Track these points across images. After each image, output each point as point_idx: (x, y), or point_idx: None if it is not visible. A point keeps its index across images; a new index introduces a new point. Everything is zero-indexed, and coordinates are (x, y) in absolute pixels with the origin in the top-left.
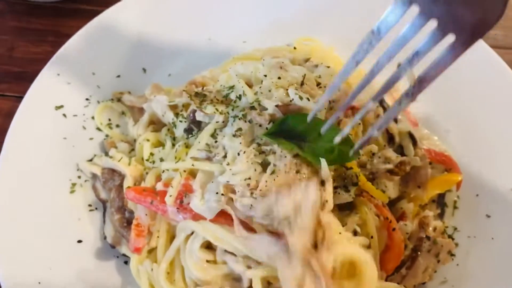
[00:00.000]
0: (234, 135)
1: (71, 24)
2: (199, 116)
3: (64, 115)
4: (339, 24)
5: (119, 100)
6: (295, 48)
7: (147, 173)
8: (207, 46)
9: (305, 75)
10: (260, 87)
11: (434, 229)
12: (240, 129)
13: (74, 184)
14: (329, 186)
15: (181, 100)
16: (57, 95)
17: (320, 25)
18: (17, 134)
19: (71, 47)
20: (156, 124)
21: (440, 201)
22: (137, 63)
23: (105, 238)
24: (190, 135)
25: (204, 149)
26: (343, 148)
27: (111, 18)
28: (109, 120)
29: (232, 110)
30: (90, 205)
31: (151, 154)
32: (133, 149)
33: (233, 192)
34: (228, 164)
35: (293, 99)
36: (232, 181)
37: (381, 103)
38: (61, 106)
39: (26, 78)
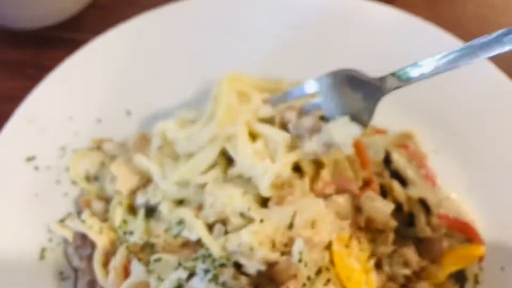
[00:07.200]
0: None
1: (55, 55)
2: None
3: (36, 167)
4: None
5: (99, 148)
6: None
7: (121, 242)
8: (200, 84)
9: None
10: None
11: None
12: None
13: (44, 249)
14: None
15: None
16: (29, 144)
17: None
18: None
19: (46, 87)
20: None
21: (459, 275)
22: (120, 105)
23: None
24: None
25: None
26: None
27: (92, 52)
28: (87, 172)
29: (203, 262)
30: (61, 273)
31: (124, 221)
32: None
33: None
34: None
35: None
36: None
37: None
38: (33, 158)
39: (1, 118)
